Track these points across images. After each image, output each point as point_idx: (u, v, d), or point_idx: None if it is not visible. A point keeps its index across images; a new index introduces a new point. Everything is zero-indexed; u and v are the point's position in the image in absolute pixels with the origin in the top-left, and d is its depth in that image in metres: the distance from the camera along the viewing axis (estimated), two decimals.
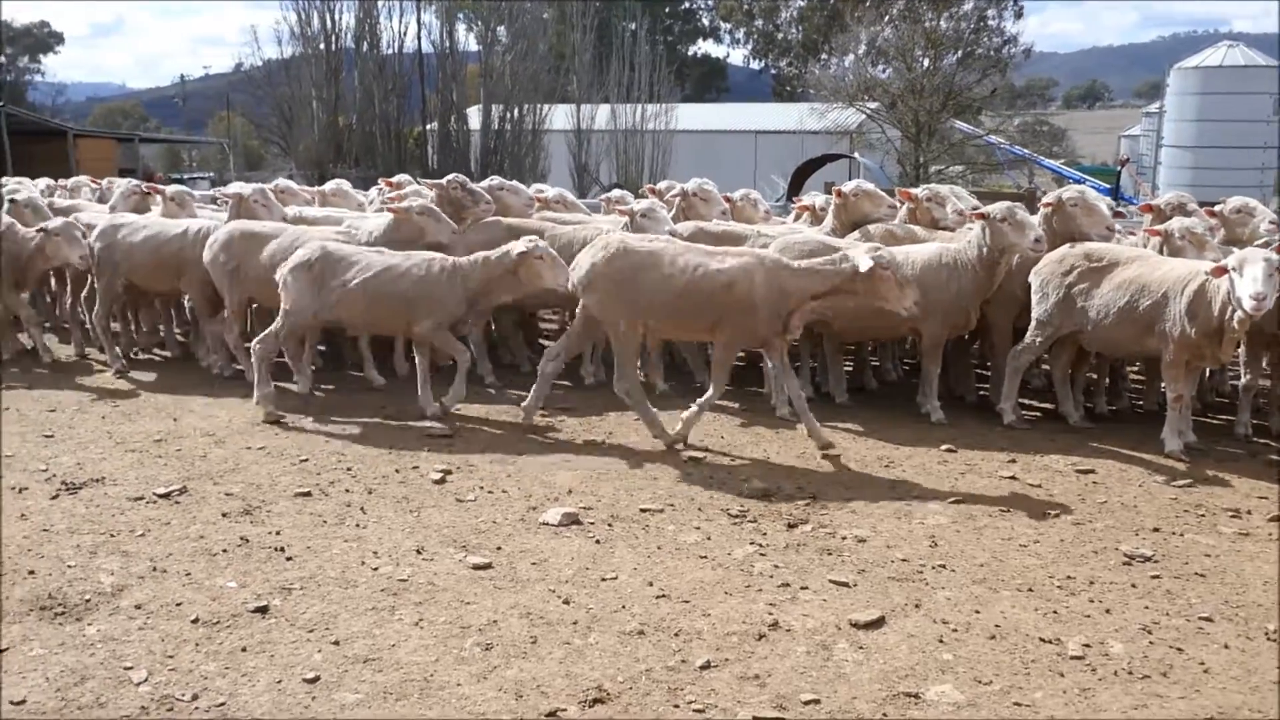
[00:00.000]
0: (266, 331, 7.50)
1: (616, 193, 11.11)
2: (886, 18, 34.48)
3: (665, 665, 4.00)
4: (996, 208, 7.15)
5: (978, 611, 4.49)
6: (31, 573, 4.76)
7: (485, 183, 9.59)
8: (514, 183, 9.78)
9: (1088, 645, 4.17)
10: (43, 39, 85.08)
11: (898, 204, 8.52)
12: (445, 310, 7.19)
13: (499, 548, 5.13)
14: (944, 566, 4.97)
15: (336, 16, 28.52)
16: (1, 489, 5.88)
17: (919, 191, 8.64)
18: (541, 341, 10.91)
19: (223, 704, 3.70)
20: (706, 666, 3.99)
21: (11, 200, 9.99)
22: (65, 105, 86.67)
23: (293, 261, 7.33)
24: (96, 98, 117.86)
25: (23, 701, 3.70)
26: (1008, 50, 35.21)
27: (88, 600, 4.50)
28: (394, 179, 11.07)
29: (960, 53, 31.71)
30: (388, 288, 7.17)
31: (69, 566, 4.84)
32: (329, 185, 11.32)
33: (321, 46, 28.63)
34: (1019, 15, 39.42)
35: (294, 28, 28.73)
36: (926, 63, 31.00)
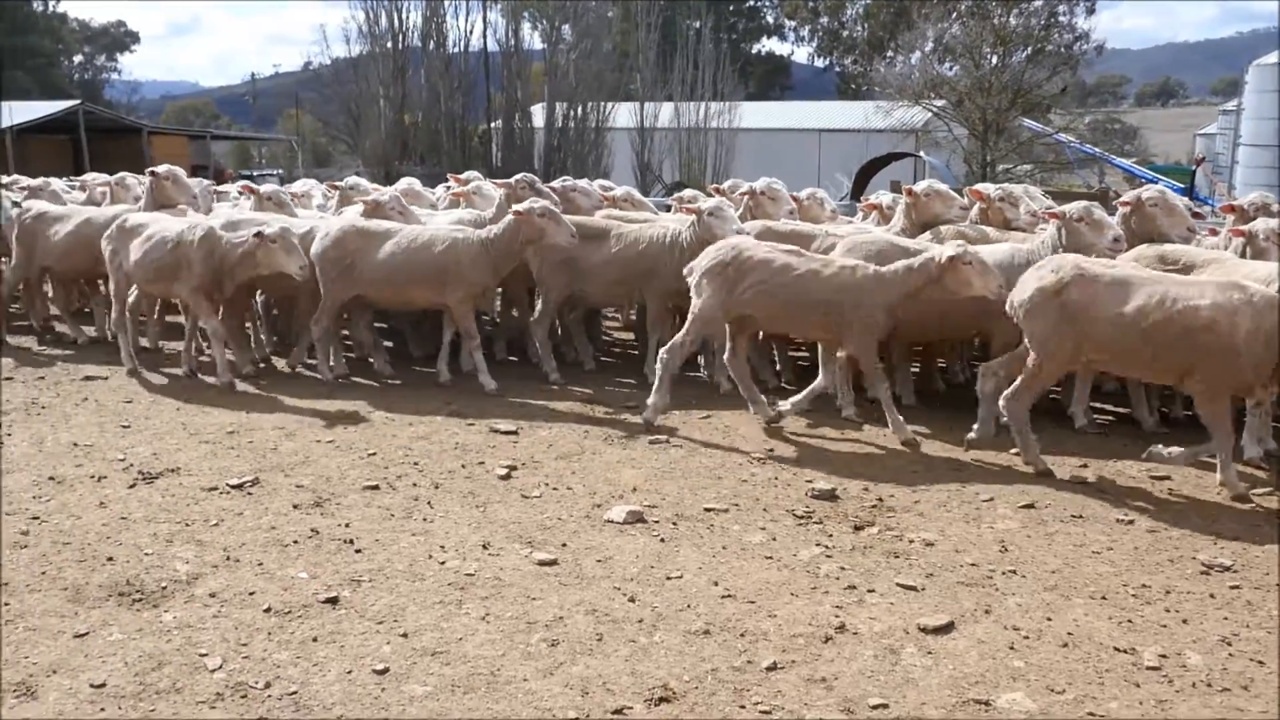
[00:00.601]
0: (674, 341, 7.29)
1: (688, 193, 11.08)
2: (954, 14, 34.04)
3: (731, 666, 3.98)
4: (1073, 207, 7.02)
5: (1049, 619, 4.41)
6: (110, 559, 4.88)
7: (555, 183, 9.63)
8: (583, 182, 9.79)
9: (1164, 656, 4.08)
10: (119, 38, 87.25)
11: (969, 205, 8.40)
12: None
13: (564, 544, 5.15)
14: (1014, 572, 4.89)
15: (404, 15, 28.89)
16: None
17: (992, 191, 8.50)
18: (616, 336, 10.96)
19: (295, 692, 3.76)
20: (773, 668, 3.96)
21: (259, 192, 9.89)
22: (140, 103, 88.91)
23: (707, 263, 7.06)
24: (170, 96, 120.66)
25: (103, 685, 3.79)
26: (1079, 47, 34.55)
27: (164, 588, 4.60)
28: (462, 176, 11.15)
29: (1030, 49, 31.19)
30: (804, 293, 6.82)
31: (146, 554, 4.95)
32: (401, 184, 11.35)
33: (389, 45, 29.02)
34: (1091, 11, 38.66)
35: (362, 26, 29.18)
36: (995, 60, 30.55)
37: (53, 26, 78.67)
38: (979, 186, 8.88)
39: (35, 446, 6.64)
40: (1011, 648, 4.14)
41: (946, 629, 4.29)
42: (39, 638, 4.13)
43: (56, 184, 12.20)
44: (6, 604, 4.41)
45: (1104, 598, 4.62)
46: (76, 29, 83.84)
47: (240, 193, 11.86)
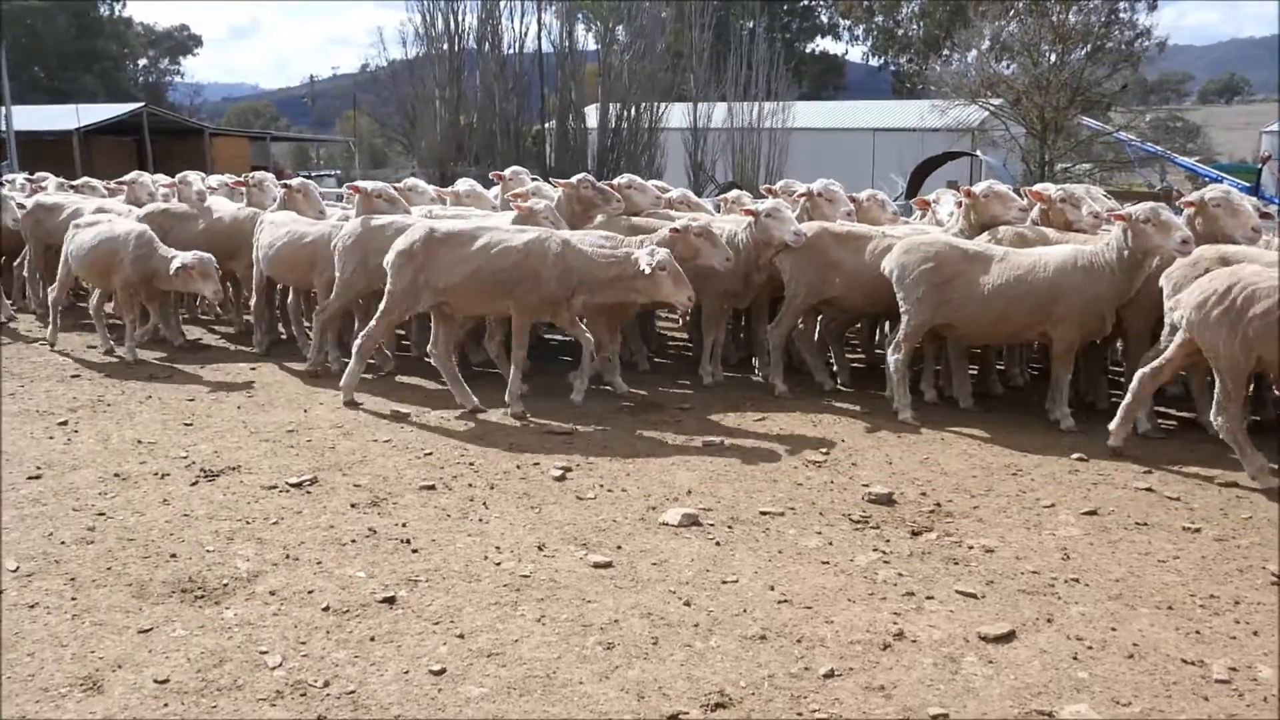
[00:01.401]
0: (1150, 369, 6.59)
1: (734, 193, 11.02)
2: (1011, 12, 33.54)
3: (788, 672, 3.95)
4: (1140, 208, 6.87)
5: (1114, 629, 4.32)
6: (173, 556, 4.96)
7: (616, 180, 9.60)
8: (641, 180, 9.78)
9: (1234, 669, 3.97)
10: (182, 41, 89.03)
11: (1029, 206, 8.26)
12: None
13: (619, 547, 5.14)
14: (1077, 580, 4.79)
15: (460, 18, 29.04)
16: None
17: (1053, 192, 8.34)
18: (672, 336, 10.95)
19: (353, 692, 3.79)
20: (830, 675, 3.92)
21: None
22: (202, 105, 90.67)
23: (1198, 297, 6.17)
24: (231, 98, 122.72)
25: (166, 680, 3.84)
26: (1140, 43, 33.84)
27: (225, 585, 4.66)
28: (505, 172, 11.04)
29: (1089, 47, 30.66)
30: None
31: (208, 551, 5.02)
32: (462, 186, 11.26)
33: (445, 47, 29.20)
34: (1153, 7, 37.83)
35: (419, 29, 29.37)
36: (1053, 57, 30.08)
37: (119, 31, 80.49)
38: (1039, 187, 8.73)
39: (101, 443, 6.77)
40: (1075, 658, 4.06)
41: (1007, 638, 4.22)
42: (104, 633, 4.20)
43: (145, 178, 12.38)
44: (74, 599, 4.50)
45: (1170, 608, 4.52)
46: (141, 33, 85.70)
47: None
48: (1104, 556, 5.07)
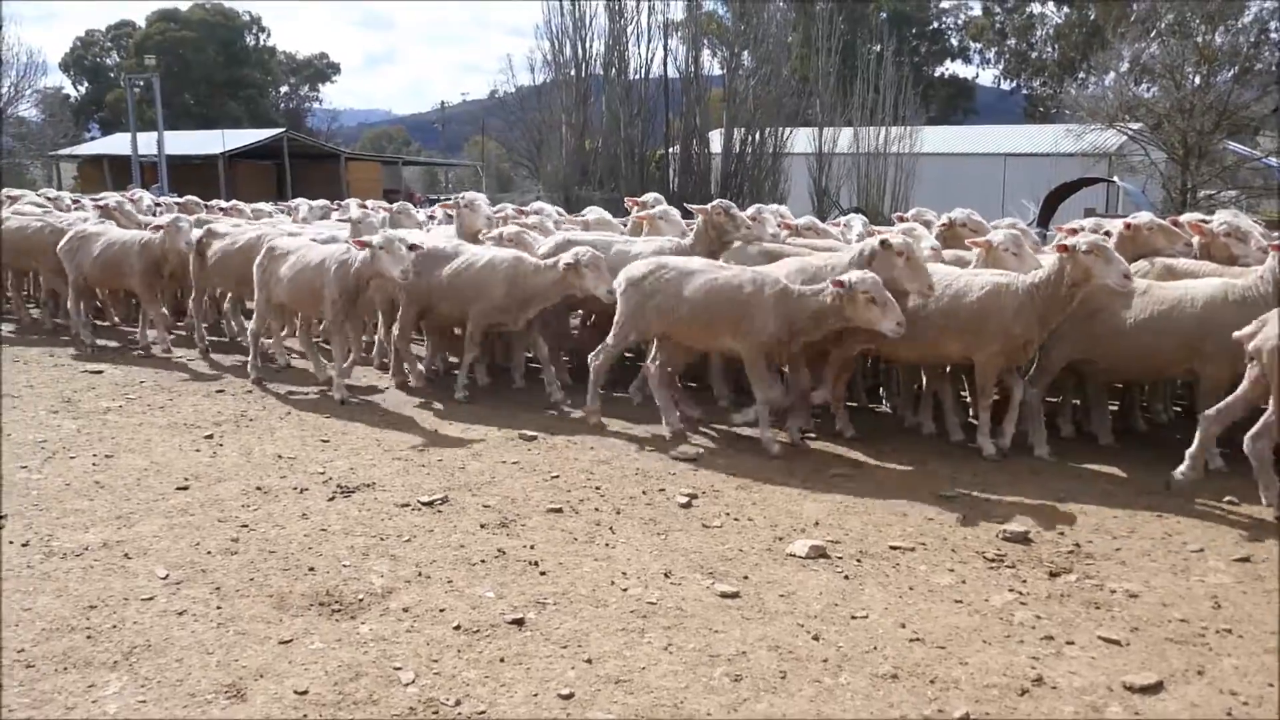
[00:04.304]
0: None
1: (855, 218, 10.65)
2: (1153, 33, 32.46)
3: (921, 714, 3.84)
4: None
5: (1271, 684, 4.08)
6: (312, 569, 5.11)
7: (771, 208, 9.54)
8: (766, 213, 9.69)
9: None
10: (321, 69, 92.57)
11: (1194, 241, 7.84)
12: None
13: (746, 577, 5.09)
14: (1229, 631, 4.55)
15: (587, 45, 29.55)
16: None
17: (1215, 225, 7.91)
18: None
19: (483, 712, 3.83)
20: (965, 719, 3.80)
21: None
22: (338, 130, 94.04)
23: None
24: (366, 123, 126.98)
25: (305, 692, 3.95)
26: None
27: (361, 600, 4.77)
28: (644, 198, 11.13)
29: (1237, 68, 29.46)
30: None
31: (344, 566, 5.16)
32: (590, 213, 11.40)
33: (572, 73, 29.72)
34: None
35: (547, 56, 29.99)
36: (1197, 80, 28.99)
37: (263, 59, 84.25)
38: (1190, 217, 8.30)
39: (244, 457, 7.04)
40: (1229, 714, 3.86)
41: (1155, 689, 4.03)
42: (247, 642, 4.35)
43: (374, 219, 12.42)
44: (219, 608, 4.68)
45: None
46: (284, 61, 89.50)
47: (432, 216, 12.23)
48: (1259, 606, 4.81)
